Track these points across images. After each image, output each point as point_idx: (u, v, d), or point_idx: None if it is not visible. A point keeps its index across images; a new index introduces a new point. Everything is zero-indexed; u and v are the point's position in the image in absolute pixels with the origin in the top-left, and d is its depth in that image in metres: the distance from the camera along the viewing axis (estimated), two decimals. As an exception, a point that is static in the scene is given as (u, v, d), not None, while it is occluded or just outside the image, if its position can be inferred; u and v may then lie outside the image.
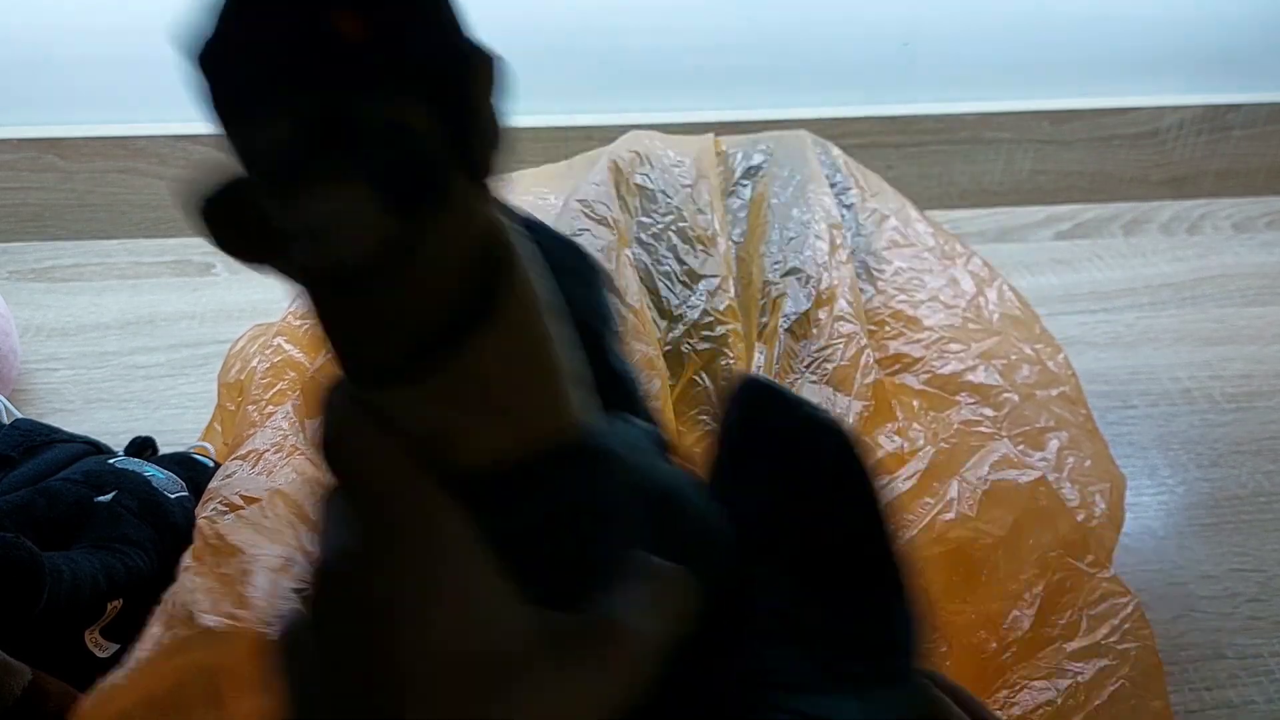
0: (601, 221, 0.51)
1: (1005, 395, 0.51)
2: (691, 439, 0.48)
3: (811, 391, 0.47)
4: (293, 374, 0.51)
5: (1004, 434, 0.49)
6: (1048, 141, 0.82)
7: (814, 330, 0.50)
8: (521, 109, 0.83)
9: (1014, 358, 0.54)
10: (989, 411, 0.50)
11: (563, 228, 0.51)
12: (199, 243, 0.76)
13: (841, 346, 0.49)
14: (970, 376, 0.52)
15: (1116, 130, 0.82)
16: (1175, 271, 0.76)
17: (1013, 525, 0.44)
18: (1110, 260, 0.77)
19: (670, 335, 0.50)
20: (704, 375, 0.50)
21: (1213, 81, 0.83)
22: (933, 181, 0.82)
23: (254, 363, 0.53)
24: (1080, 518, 0.47)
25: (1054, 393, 0.53)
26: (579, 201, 0.52)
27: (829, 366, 0.48)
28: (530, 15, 0.75)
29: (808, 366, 0.48)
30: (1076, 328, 0.70)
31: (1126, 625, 0.43)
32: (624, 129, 0.77)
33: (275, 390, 0.50)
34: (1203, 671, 0.48)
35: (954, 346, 0.53)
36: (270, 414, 0.48)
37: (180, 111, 0.75)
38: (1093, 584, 0.44)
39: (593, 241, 0.50)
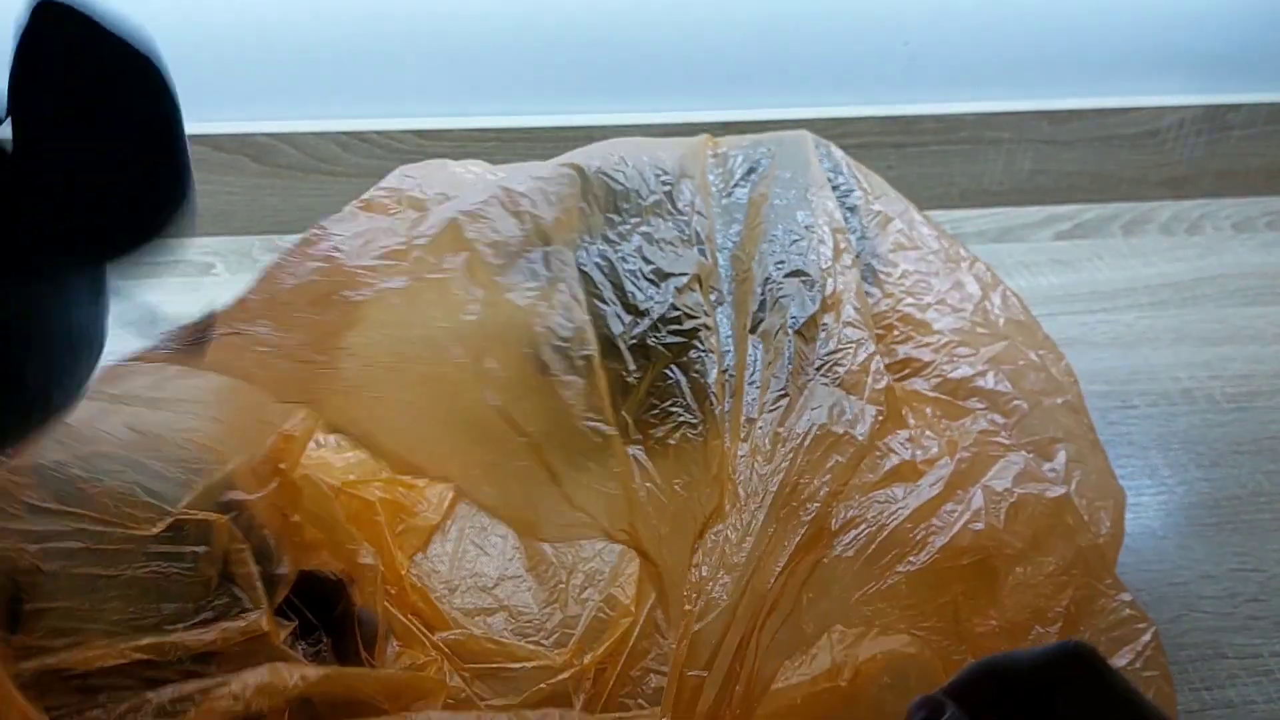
0: (516, 214, 0.50)
1: (1015, 403, 0.51)
2: (661, 431, 0.48)
3: (825, 394, 0.47)
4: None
5: (1019, 445, 0.49)
6: (1048, 141, 0.82)
7: (821, 334, 0.50)
8: (521, 109, 0.83)
9: (1021, 364, 0.54)
10: (999, 419, 0.50)
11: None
12: (199, 242, 0.76)
13: (851, 351, 0.49)
14: (980, 382, 0.52)
15: (1116, 130, 0.82)
16: (1175, 271, 0.76)
17: (1034, 539, 0.44)
18: (1110, 260, 0.77)
19: (635, 330, 0.50)
20: (675, 369, 0.49)
21: (1213, 81, 0.83)
22: (933, 181, 0.82)
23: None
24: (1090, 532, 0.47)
25: (1059, 401, 0.53)
26: (503, 190, 0.51)
27: (840, 370, 0.48)
28: (529, 14, 0.75)
29: (819, 370, 0.48)
30: (1076, 328, 0.70)
31: (1148, 653, 0.43)
32: (624, 129, 0.77)
33: None
34: (1203, 671, 0.48)
35: (963, 350, 0.53)
36: None
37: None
38: (1113, 606, 0.44)
39: (487, 234, 0.49)
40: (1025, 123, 0.81)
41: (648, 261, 0.52)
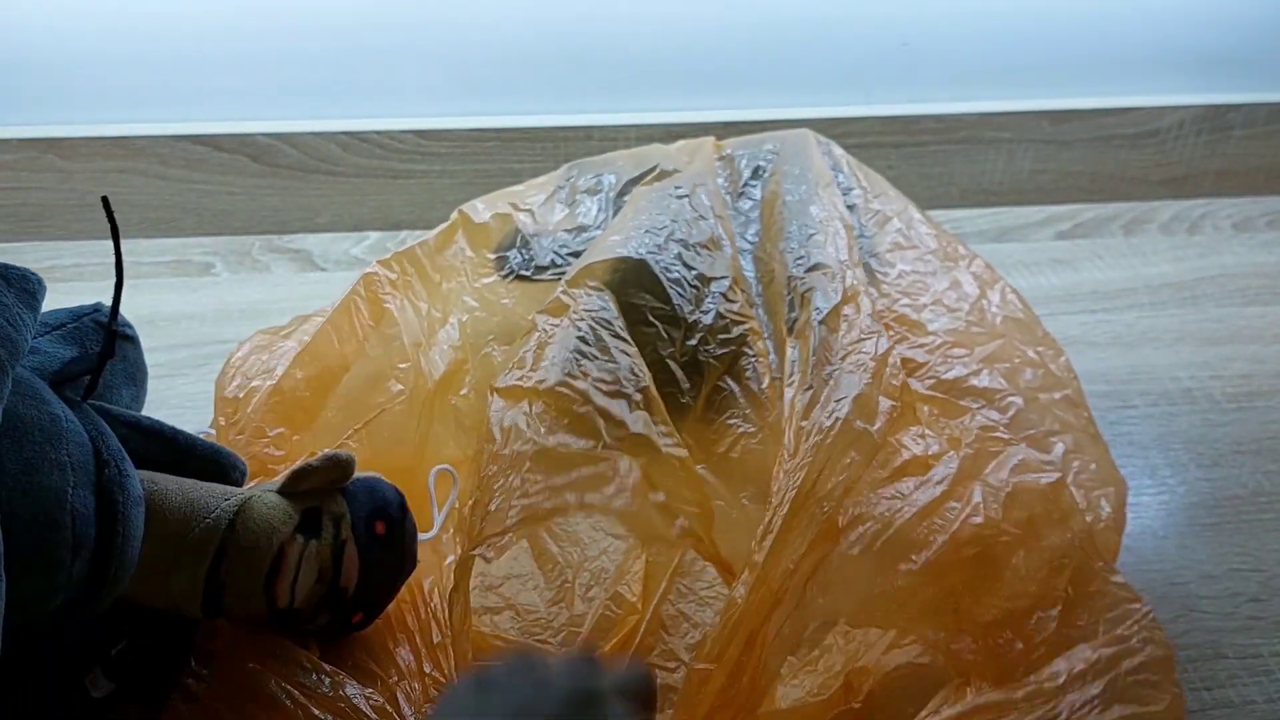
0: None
1: (1010, 399, 0.51)
2: (722, 446, 0.48)
3: (849, 384, 0.47)
4: (298, 416, 0.52)
5: (1017, 439, 0.49)
6: (1048, 141, 0.82)
7: (843, 325, 0.50)
8: (521, 109, 0.83)
9: (1017, 361, 0.54)
10: (995, 415, 0.50)
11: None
12: (199, 242, 0.76)
13: (873, 341, 0.49)
14: (975, 381, 0.52)
15: (1116, 130, 0.82)
16: (1175, 271, 0.76)
17: (1028, 523, 0.45)
18: (1110, 260, 0.77)
19: (686, 344, 0.50)
20: (728, 379, 0.50)
21: (1213, 81, 0.83)
22: (933, 181, 0.82)
23: (254, 382, 0.53)
24: (1088, 519, 0.47)
25: (1057, 396, 0.53)
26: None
27: (864, 356, 0.48)
28: (529, 15, 0.75)
29: (843, 359, 0.48)
30: (1077, 328, 0.70)
31: (1143, 631, 0.44)
32: (624, 129, 0.78)
33: (275, 434, 0.51)
34: (1203, 671, 0.48)
35: (958, 351, 0.53)
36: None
37: (180, 111, 0.75)
38: (1107, 589, 0.45)
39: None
40: (1025, 123, 0.81)
41: (689, 268, 0.52)
